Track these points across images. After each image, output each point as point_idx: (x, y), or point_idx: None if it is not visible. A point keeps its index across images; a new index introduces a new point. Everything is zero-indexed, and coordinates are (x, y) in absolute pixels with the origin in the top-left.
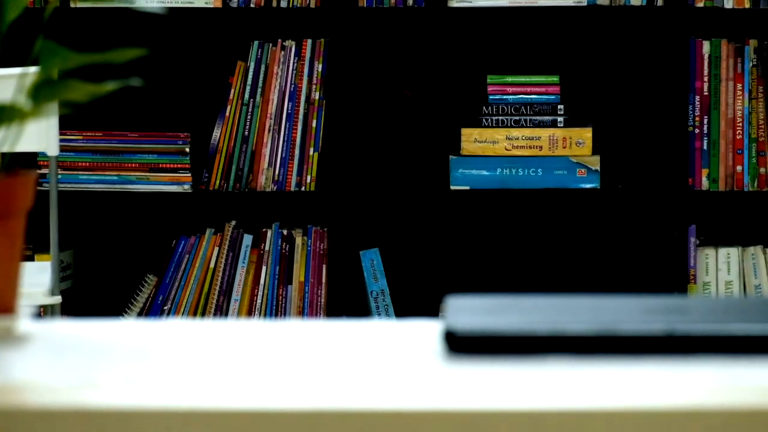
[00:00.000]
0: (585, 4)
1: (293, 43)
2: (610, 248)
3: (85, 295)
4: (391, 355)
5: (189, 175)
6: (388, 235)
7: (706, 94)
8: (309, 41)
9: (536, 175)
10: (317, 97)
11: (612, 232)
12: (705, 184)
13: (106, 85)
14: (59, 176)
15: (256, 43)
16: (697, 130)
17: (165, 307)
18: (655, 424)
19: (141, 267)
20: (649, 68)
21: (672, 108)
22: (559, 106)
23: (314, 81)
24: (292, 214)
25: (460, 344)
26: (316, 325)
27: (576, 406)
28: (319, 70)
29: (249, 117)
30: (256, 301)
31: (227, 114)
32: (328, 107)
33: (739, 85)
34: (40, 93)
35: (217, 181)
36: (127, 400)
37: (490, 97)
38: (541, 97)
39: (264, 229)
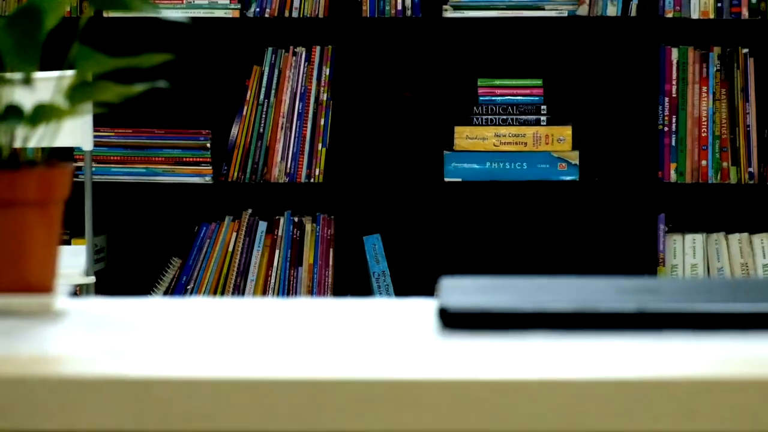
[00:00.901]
0: (566, 15)
1: (303, 49)
2: (588, 234)
3: (117, 276)
4: (391, 329)
5: (210, 167)
6: (389, 222)
7: (674, 96)
8: (318, 48)
9: (521, 168)
10: (325, 98)
11: (589, 220)
12: (673, 176)
13: (135, 86)
14: (93, 169)
15: (270, 49)
16: (666, 128)
17: (188, 287)
18: (627, 392)
19: (166, 251)
20: (624, 72)
21: (644, 108)
22: (542, 107)
23: (322, 84)
24: (302, 203)
25: (452, 320)
26: (324, 303)
27: (556, 376)
28: (327, 73)
29: (264, 116)
30: (270, 281)
31: (244, 113)
32: (335, 107)
33: (704, 88)
34: (76, 94)
35: (235, 174)
36: (153, 370)
37: (480, 98)
38: (526, 98)
39: (277, 217)
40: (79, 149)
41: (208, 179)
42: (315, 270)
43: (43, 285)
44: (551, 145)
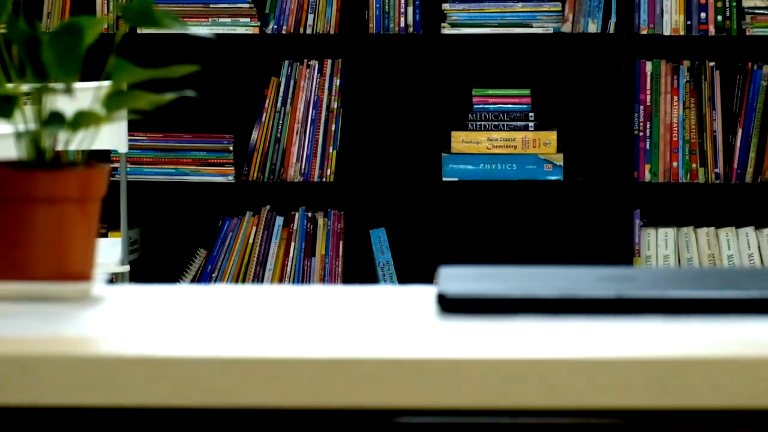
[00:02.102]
0: (551, 31)
1: (316, 62)
2: (571, 228)
3: (149, 265)
4: (395, 314)
5: (232, 168)
6: (393, 217)
7: (648, 104)
8: (329, 61)
9: (512, 169)
10: (336, 107)
11: (573, 215)
12: (647, 176)
13: (165, 95)
14: (128, 169)
15: (286, 62)
16: (641, 134)
17: (213, 275)
18: (607, 370)
19: (193, 243)
20: (603, 83)
21: (621, 115)
22: (530, 114)
23: (333, 93)
24: (315, 200)
25: (450, 305)
26: (334, 290)
27: (543, 355)
28: (337, 84)
29: (281, 122)
30: (286, 270)
31: (263, 119)
32: (344, 114)
33: (675, 98)
34: (112, 102)
35: (255, 174)
36: (181, 350)
37: (475, 106)
38: (515, 106)
39: (292, 213)
40: (115, 151)
41: (230, 179)
42: (326, 260)
43: (83, 273)
44: (538, 148)
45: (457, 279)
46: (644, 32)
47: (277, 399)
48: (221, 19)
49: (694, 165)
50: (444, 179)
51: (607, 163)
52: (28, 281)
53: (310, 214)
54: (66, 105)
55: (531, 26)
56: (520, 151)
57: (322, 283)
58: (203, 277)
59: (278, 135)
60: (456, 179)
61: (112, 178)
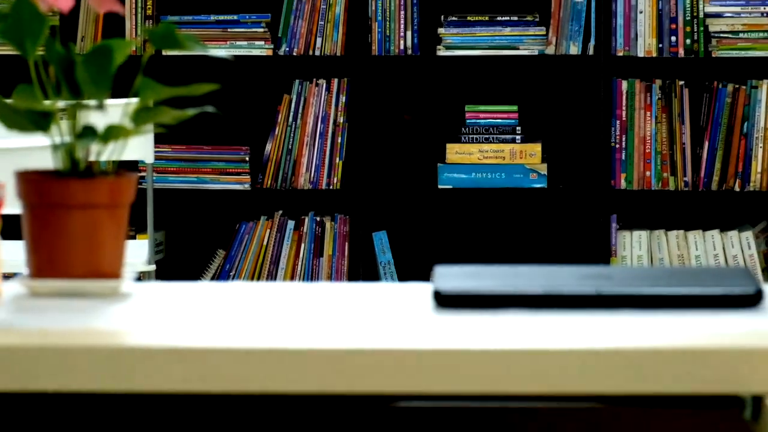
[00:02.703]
0: (536, 53)
1: (324, 81)
2: (555, 231)
3: (173, 265)
4: (395, 308)
5: (248, 177)
6: (393, 221)
7: (624, 119)
8: (336, 80)
9: (500, 177)
10: (342, 121)
11: (556, 219)
12: (623, 184)
13: (188, 111)
14: (154, 178)
15: (297, 81)
16: (617, 146)
17: (230, 273)
18: (587, 359)
19: (213, 244)
20: (583, 100)
21: (599, 129)
22: (517, 128)
23: (339, 109)
24: (323, 205)
25: (445, 300)
26: (340, 287)
27: (529, 346)
28: (343, 101)
29: (292, 135)
30: (297, 269)
31: (276, 132)
32: (349, 128)
33: (648, 113)
34: (139, 117)
35: (269, 182)
36: (202, 341)
37: (467, 120)
38: (504, 121)
39: (303, 217)
40: (142, 162)
41: (246, 186)
42: (333, 260)
43: (113, 272)
44: (524, 158)
45: (451, 277)
46: (620, 54)
47: (288, 386)
48: (238, 42)
49: (665, 174)
50: (440, 187)
51: (586, 172)
52: (64, 279)
53: (318, 218)
54: (98, 120)
55: (518, 48)
56: (508, 161)
57: (329, 281)
58: (222, 275)
59: (290, 147)
60: (450, 187)
61: (139, 186)
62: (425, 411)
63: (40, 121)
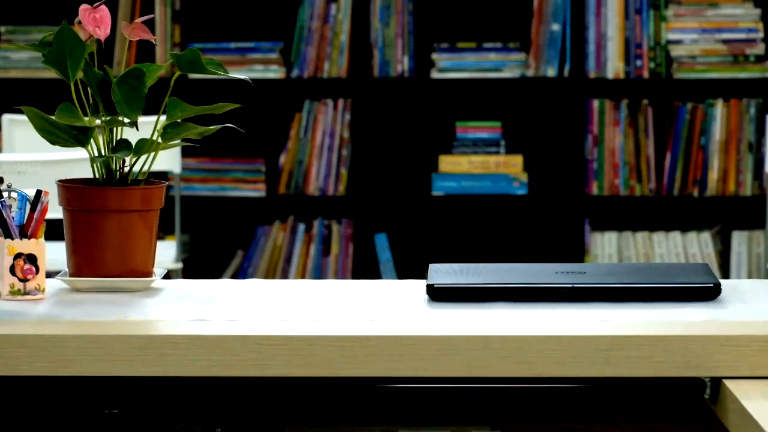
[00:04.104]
0: (518, 76)
1: (331, 100)
2: (535, 232)
3: (198, 263)
4: (393, 300)
5: (264, 185)
6: (393, 224)
7: (596, 134)
8: (341, 100)
9: (487, 185)
10: (347, 136)
11: (535, 222)
12: (595, 191)
13: (211, 127)
14: (181, 186)
15: (307, 100)
16: (590, 157)
17: (248, 271)
18: (563, 345)
19: (233, 245)
20: (560, 117)
21: (574, 142)
22: (502, 141)
23: (344, 125)
24: (330, 210)
25: (437, 294)
26: (346, 283)
27: (513, 333)
28: (348, 118)
29: (303, 148)
30: (307, 267)
31: (289, 146)
32: (353, 142)
33: (617, 128)
34: (168, 132)
35: (282, 189)
36: (224, 330)
37: (457, 135)
38: (490, 135)
39: (312, 221)
40: (171, 172)
41: (262, 194)
42: (339, 259)
43: (144, 270)
44: (508, 168)
45: (444, 273)
46: (592, 76)
47: (299, 371)
48: (255, 66)
49: (632, 182)
50: (433, 194)
51: (563, 180)
52: (100, 276)
53: (326, 222)
54: (131, 135)
55: (502, 71)
56: (494, 171)
57: (335, 278)
58: (241, 272)
59: (301, 158)
60: (443, 194)
61: (168, 194)
62: (419, 391)
63: (80, 137)
